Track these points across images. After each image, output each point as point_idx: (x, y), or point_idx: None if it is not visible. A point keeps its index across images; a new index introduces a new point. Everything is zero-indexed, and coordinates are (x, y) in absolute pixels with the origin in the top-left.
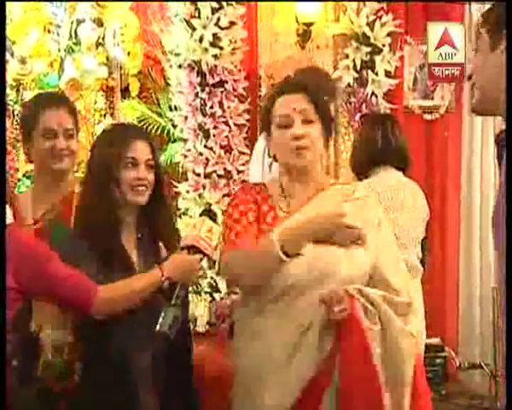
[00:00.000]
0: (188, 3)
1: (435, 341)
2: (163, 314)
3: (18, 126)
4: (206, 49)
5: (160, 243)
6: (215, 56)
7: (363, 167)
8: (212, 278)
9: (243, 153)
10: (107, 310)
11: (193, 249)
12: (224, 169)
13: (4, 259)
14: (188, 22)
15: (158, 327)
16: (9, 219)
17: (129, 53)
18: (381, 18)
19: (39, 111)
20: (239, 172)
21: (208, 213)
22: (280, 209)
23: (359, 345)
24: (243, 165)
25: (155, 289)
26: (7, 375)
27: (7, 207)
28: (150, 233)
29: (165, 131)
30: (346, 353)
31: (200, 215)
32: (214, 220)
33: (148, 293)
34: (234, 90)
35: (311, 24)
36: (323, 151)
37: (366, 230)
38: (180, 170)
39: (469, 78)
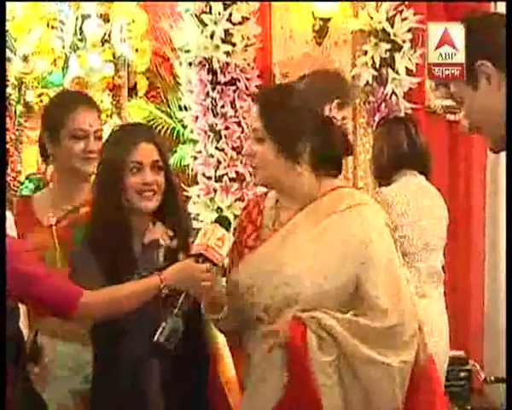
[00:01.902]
0: None
1: (459, 353)
2: (163, 324)
3: (43, 125)
4: (217, 46)
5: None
6: (227, 53)
7: (386, 172)
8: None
9: None
10: (94, 314)
11: (201, 258)
12: (237, 172)
13: (4, 260)
14: (198, 18)
15: (155, 338)
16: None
17: (137, 50)
18: (401, 13)
19: (70, 110)
20: (251, 174)
21: (221, 219)
22: (266, 226)
23: (303, 377)
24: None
25: (154, 297)
26: None
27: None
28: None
29: (175, 132)
30: (291, 385)
31: (213, 222)
32: (227, 228)
33: (143, 299)
34: (246, 88)
35: (328, 19)
36: (283, 170)
37: (346, 244)
38: (190, 173)
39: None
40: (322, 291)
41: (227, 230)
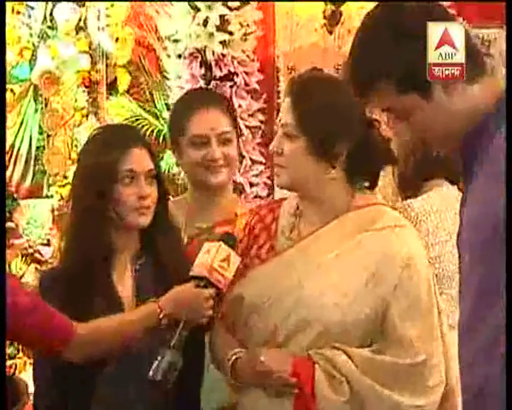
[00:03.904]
0: None
1: None
2: (159, 358)
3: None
4: (211, 35)
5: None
6: (223, 43)
7: (412, 182)
8: None
9: (257, 162)
10: (86, 351)
11: (203, 281)
12: (234, 181)
13: (4, 258)
14: (189, 2)
15: (151, 373)
16: None
17: (117, 39)
18: None
19: (187, 113)
20: (252, 185)
21: (226, 237)
22: (282, 234)
23: None
24: (257, 176)
25: (151, 328)
26: None
27: None
28: (153, 262)
29: (161, 136)
30: None
31: (218, 239)
32: (233, 247)
33: (139, 331)
34: (246, 84)
35: (341, 3)
36: (314, 173)
37: (379, 265)
38: (179, 182)
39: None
40: (345, 317)
41: (232, 249)
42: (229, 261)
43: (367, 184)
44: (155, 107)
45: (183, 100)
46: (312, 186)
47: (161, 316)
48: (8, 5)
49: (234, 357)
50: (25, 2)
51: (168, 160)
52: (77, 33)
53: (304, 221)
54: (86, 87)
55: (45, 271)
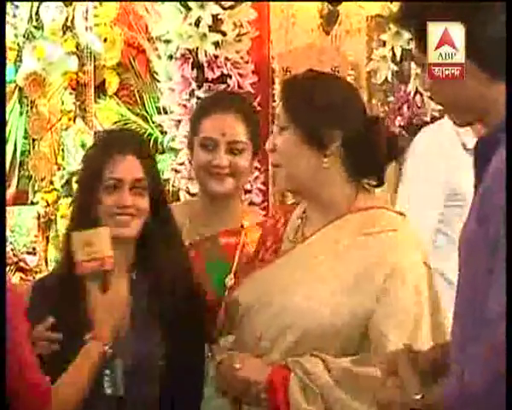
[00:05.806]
0: None
1: None
2: (108, 372)
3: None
4: (204, 35)
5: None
6: (215, 44)
7: None
8: None
9: None
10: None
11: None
12: None
13: (4, 260)
14: (181, 1)
15: (109, 391)
16: None
17: (105, 40)
18: None
19: (203, 113)
20: (246, 192)
21: None
22: (287, 238)
23: None
24: (251, 182)
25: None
26: None
27: None
28: (147, 275)
29: (152, 140)
30: None
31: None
32: None
33: (92, 371)
34: (239, 87)
35: (338, 2)
36: (307, 164)
37: (364, 276)
38: (171, 189)
39: None
40: (323, 323)
41: None
42: None
43: (373, 180)
44: (145, 110)
45: (205, 100)
46: (310, 181)
47: (106, 348)
48: None
49: (218, 360)
50: (9, 1)
51: (158, 165)
52: (64, 33)
53: (309, 224)
54: (73, 89)
55: (39, 278)
